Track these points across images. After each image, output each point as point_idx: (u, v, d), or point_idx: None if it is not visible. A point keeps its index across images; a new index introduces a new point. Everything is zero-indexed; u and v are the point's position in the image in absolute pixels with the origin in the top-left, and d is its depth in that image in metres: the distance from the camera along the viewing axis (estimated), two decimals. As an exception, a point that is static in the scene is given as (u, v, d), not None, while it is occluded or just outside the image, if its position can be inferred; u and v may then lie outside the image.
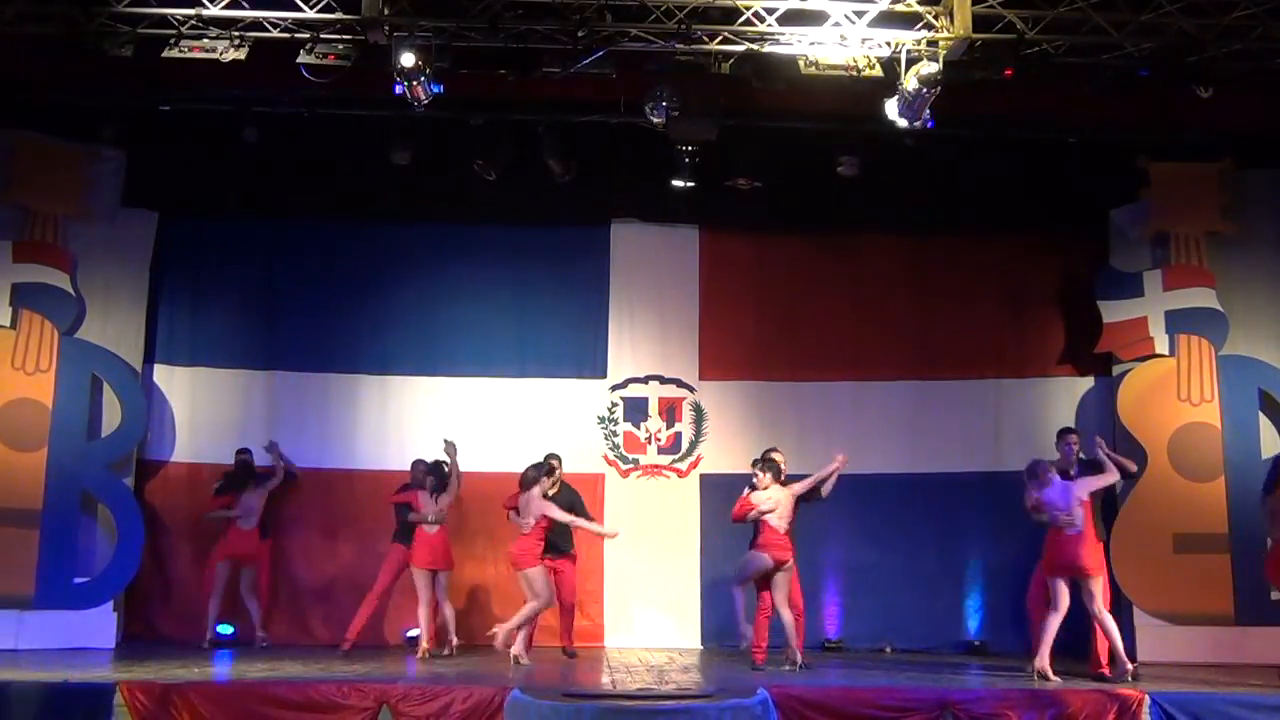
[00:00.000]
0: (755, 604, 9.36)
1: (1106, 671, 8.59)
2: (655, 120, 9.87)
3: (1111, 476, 8.96)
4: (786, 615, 9.27)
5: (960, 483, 11.49)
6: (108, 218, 10.98)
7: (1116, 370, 11.14)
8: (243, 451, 11.04)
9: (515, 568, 9.55)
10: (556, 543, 9.88)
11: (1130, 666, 8.54)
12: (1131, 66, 9.56)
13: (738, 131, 10.51)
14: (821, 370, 11.75)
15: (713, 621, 11.29)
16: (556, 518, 9.50)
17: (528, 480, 9.49)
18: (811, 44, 9.18)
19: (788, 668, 9.13)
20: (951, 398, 11.65)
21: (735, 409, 11.75)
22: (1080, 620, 8.81)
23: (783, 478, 9.48)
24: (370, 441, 11.49)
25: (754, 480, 9.40)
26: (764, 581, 9.28)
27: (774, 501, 9.27)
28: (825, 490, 9.45)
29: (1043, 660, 8.50)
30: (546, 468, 9.82)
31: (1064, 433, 9.52)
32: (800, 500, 9.36)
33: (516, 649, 9.46)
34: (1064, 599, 8.60)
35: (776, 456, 9.66)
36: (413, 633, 10.65)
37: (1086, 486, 8.73)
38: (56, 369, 10.49)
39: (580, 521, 9.92)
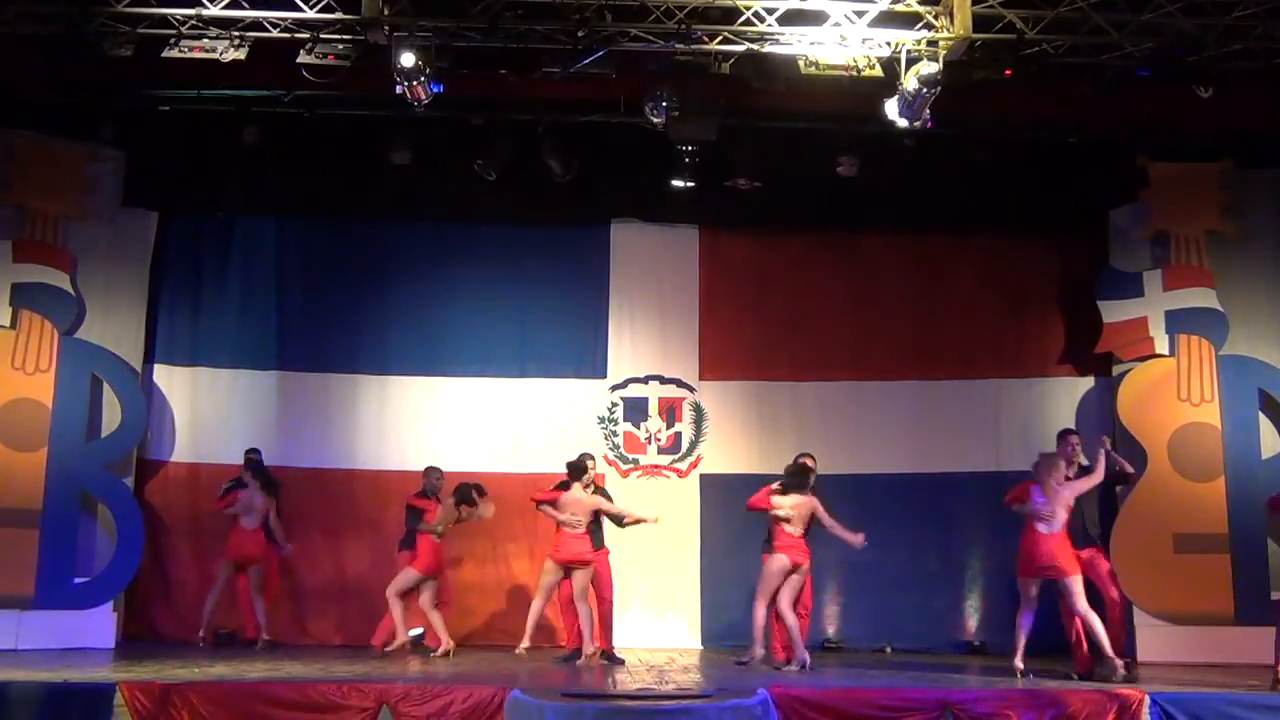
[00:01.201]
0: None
1: (1085, 670, 8.66)
2: (655, 120, 9.87)
3: (1096, 477, 8.85)
4: (791, 617, 9.29)
5: (960, 483, 11.49)
6: (108, 218, 10.97)
7: (1116, 370, 11.14)
8: (252, 452, 10.95)
9: (581, 564, 9.67)
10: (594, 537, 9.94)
11: (1120, 663, 8.48)
12: (1131, 66, 9.56)
13: (738, 131, 10.52)
14: (821, 370, 11.75)
15: (713, 621, 11.30)
16: (609, 510, 9.81)
17: (582, 478, 9.77)
18: (811, 44, 9.18)
19: (795, 668, 9.13)
20: (951, 398, 11.65)
21: (735, 409, 11.76)
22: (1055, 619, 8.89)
23: (812, 482, 9.50)
24: (370, 441, 11.49)
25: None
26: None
27: (793, 509, 9.29)
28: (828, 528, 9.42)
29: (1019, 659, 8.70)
30: (584, 467, 9.94)
31: (1065, 434, 9.48)
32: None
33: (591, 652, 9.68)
34: (1034, 600, 8.73)
35: (811, 464, 9.70)
36: (415, 632, 10.65)
37: (1074, 490, 8.70)
38: (56, 369, 10.48)
39: (631, 512, 10.07)
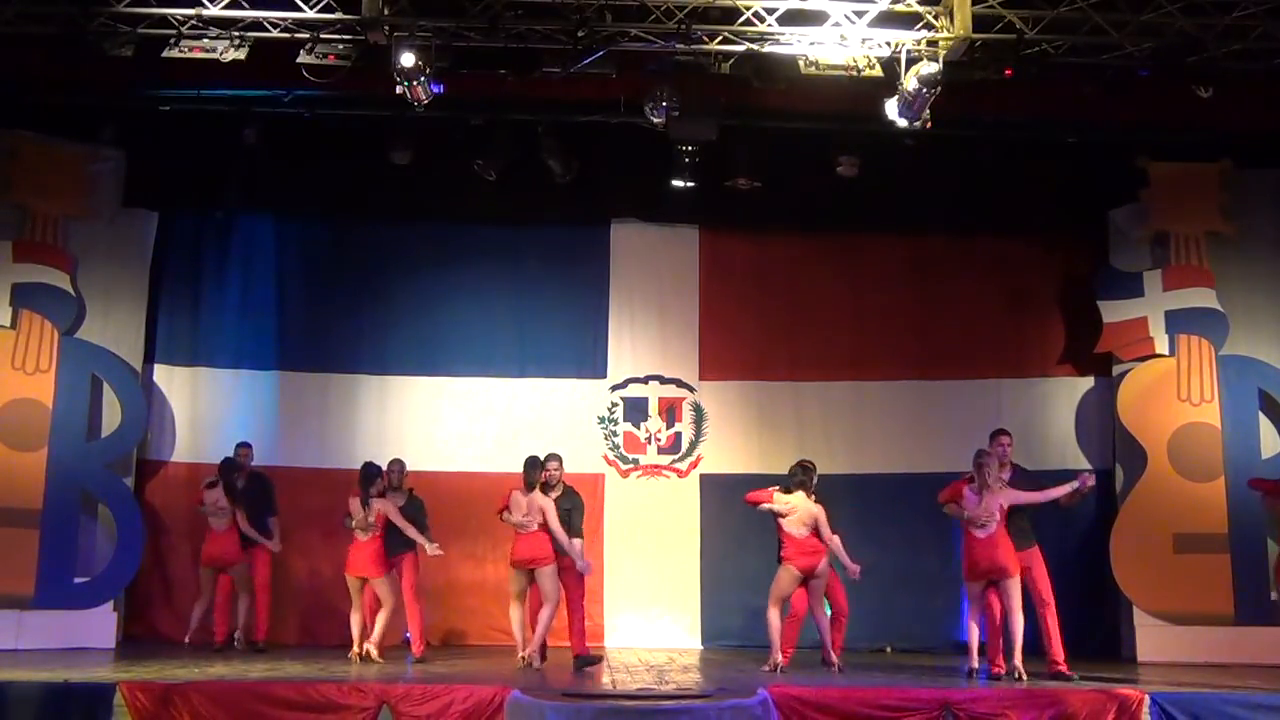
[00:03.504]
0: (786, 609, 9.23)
1: (1001, 670, 8.70)
2: (655, 120, 9.85)
3: (1043, 496, 8.76)
4: (822, 620, 9.25)
5: (960, 483, 11.49)
6: (108, 218, 10.98)
7: (1116, 370, 11.14)
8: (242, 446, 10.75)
9: (536, 565, 9.21)
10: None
11: (1020, 667, 8.57)
12: (1131, 66, 9.56)
13: (738, 131, 10.51)
14: (821, 370, 11.76)
15: (713, 622, 11.30)
16: (550, 524, 9.20)
17: (531, 481, 9.32)
18: (811, 44, 9.18)
19: (833, 669, 9.09)
20: (952, 398, 11.65)
21: (735, 409, 11.76)
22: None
23: (814, 481, 9.32)
24: (370, 441, 11.45)
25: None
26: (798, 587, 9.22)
27: (790, 506, 9.15)
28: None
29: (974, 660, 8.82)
30: (541, 467, 9.46)
31: (998, 434, 9.36)
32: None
33: (530, 651, 9.29)
34: (982, 601, 8.79)
35: (810, 464, 9.56)
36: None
37: (1014, 498, 8.67)
38: (56, 369, 10.49)
39: (562, 537, 9.22)
